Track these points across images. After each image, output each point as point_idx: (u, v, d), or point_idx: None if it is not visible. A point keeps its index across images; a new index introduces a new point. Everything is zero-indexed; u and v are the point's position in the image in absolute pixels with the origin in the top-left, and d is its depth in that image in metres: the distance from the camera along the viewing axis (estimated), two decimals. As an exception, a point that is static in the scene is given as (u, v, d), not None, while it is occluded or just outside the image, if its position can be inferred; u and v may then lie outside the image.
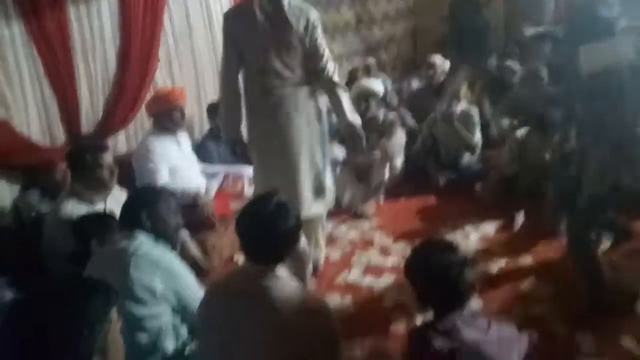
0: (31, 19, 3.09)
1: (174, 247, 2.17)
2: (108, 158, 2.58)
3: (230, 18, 2.69)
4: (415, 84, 5.36)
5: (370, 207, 3.72)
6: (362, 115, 3.78)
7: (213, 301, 1.67)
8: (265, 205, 1.61)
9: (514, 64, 4.61)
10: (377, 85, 3.94)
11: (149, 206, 2.08)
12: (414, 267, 1.70)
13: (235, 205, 3.52)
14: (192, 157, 3.61)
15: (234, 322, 1.52)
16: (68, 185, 2.73)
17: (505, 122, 4.10)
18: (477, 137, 3.93)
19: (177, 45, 4.06)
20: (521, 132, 3.73)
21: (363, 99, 3.81)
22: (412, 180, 4.02)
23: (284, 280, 1.56)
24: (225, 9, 4.43)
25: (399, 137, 3.74)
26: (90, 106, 3.50)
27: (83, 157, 2.52)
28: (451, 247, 1.69)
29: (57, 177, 3.02)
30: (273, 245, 1.58)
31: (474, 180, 3.78)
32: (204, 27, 4.29)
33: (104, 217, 2.53)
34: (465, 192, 3.76)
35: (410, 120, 4.42)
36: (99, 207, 2.65)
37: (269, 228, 1.56)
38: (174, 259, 2.00)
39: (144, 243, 1.98)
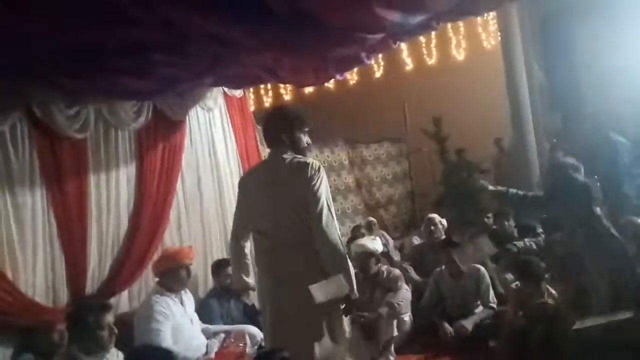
0: (53, 186, 3.38)
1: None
2: (109, 318, 2.56)
3: (241, 180, 2.89)
4: (416, 241, 5.49)
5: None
6: (364, 271, 3.83)
7: None
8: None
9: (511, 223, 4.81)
10: (375, 243, 4.02)
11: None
12: None
13: (237, 366, 3.35)
14: (195, 317, 3.55)
15: None
16: (64, 347, 2.65)
17: (510, 276, 4.10)
18: (492, 294, 3.93)
19: (187, 208, 4.30)
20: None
21: (361, 259, 3.86)
22: (421, 336, 3.87)
23: None
24: (236, 176, 4.85)
25: (405, 292, 3.71)
26: (98, 266, 3.59)
27: (85, 317, 2.50)
28: None
29: (54, 339, 2.95)
30: None
31: (486, 337, 3.63)
32: (214, 192, 4.60)
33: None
34: (479, 349, 3.58)
35: (415, 275, 4.44)
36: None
37: None
38: None
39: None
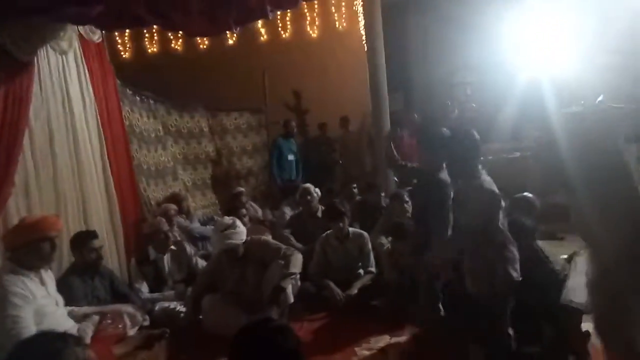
0: None
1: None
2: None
3: None
4: (287, 210, 5.50)
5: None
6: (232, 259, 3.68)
7: None
8: (265, 326, 1.38)
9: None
10: (240, 234, 3.63)
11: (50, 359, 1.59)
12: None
13: (119, 350, 2.91)
14: (59, 298, 2.97)
15: None
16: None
17: (383, 239, 4.40)
18: (372, 259, 4.18)
19: (37, 170, 3.53)
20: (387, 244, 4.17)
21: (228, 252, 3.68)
22: (307, 300, 3.91)
23: None
24: (94, 135, 4.17)
25: (298, 257, 3.65)
26: None
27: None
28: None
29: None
30: None
31: (369, 298, 3.86)
32: (69, 151, 3.89)
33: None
34: (363, 309, 3.78)
35: (296, 243, 4.46)
36: None
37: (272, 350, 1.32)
38: None
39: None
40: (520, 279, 2.60)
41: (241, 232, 3.63)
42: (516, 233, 2.76)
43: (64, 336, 1.75)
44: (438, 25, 8.79)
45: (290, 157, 6.99)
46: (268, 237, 4.18)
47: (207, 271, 3.86)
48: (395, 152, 3.62)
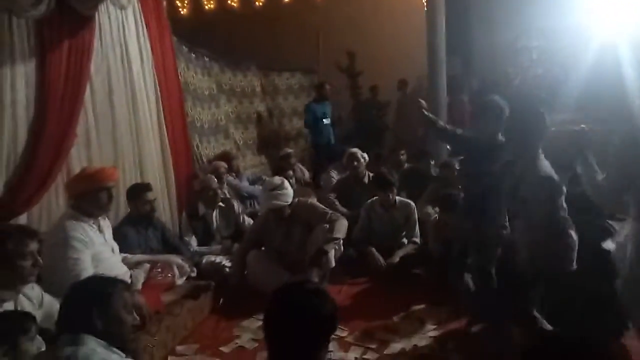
0: None
1: (131, 355, 1.78)
2: (34, 246, 2.12)
3: None
4: (334, 174, 5.49)
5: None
6: (279, 218, 3.71)
7: None
8: (301, 289, 1.41)
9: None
10: (287, 196, 3.65)
11: (100, 302, 1.71)
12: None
13: (167, 298, 3.08)
14: (115, 245, 3.15)
15: None
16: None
17: (430, 209, 4.33)
18: (417, 229, 4.14)
19: (97, 123, 3.69)
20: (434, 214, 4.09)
21: (274, 211, 3.69)
22: (350, 265, 3.96)
23: None
24: (151, 92, 4.28)
25: (343, 223, 3.67)
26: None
27: (4, 244, 2.03)
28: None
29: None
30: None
31: (411, 267, 3.84)
32: (127, 106, 4.02)
33: (21, 317, 2.01)
34: (405, 277, 3.79)
35: (341, 207, 4.47)
36: (7, 307, 2.12)
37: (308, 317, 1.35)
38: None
39: (95, 351, 1.60)
40: (575, 267, 2.46)
41: (289, 193, 3.67)
42: (587, 208, 2.61)
43: (114, 281, 1.87)
44: (501, -14, 8.22)
45: (326, 120, 6.79)
46: (314, 200, 4.21)
47: (255, 229, 3.94)
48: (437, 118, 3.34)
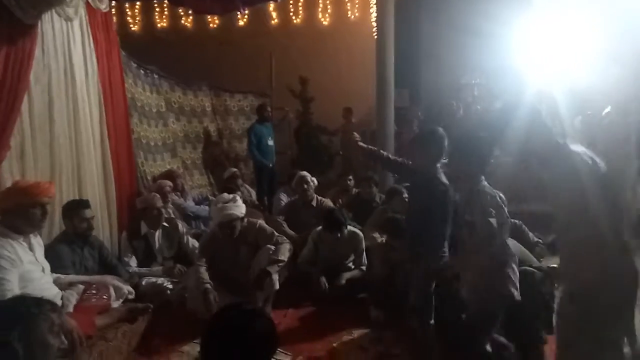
0: None
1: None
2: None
3: None
4: (283, 196, 5.49)
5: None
6: (229, 234, 3.61)
7: None
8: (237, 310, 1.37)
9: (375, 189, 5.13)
10: (240, 208, 3.64)
11: (22, 324, 1.59)
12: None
13: (101, 321, 2.91)
14: (46, 265, 2.96)
15: None
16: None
17: (376, 234, 4.38)
18: (364, 256, 4.16)
19: (34, 134, 3.50)
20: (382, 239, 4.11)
21: (226, 224, 3.59)
22: (293, 289, 3.91)
23: None
24: (95, 105, 4.14)
25: (287, 246, 3.64)
26: None
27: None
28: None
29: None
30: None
31: (356, 291, 3.87)
32: (68, 118, 3.86)
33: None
34: (350, 300, 3.80)
35: (289, 230, 4.45)
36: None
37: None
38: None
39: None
40: (520, 298, 2.51)
41: (241, 206, 3.63)
42: None
43: (39, 301, 1.75)
44: (449, 28, 8.69)
45: (270, 142, 6.82)
46: (262, 222, 4.16)
47: (205, 244, 3.80)
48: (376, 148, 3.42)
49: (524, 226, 4.05)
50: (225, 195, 3.74)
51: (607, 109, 2.73)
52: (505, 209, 2.54)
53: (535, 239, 4.05)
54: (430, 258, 2.86)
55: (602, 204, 2.09)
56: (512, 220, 2.89)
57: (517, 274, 2.55)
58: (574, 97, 2.67)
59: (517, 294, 2.48)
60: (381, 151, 3.23)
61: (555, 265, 4.54)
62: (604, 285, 2.08)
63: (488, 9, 7.44)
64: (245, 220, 3.72)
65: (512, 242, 2.82)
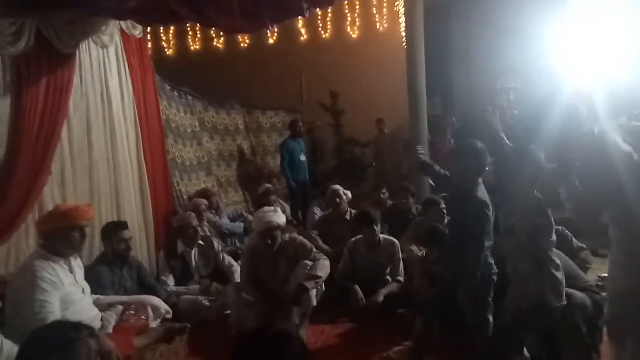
0: None
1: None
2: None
3: None
4: (317, 210, 5.45)
5: (301, 334, 3.38)
6: (270, 245, 3.58)
7: None
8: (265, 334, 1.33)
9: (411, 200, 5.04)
10: (280, 216, 3.67)
11: (61, 349, 1.60)
12: None
13: (139, 342, 2.93)
14: (86, 286, 3.02)
15: None
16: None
17: (413, 246, 4.27)
18: (402, 267, 4.06)
19: (73, 160, 3.63)
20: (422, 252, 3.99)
21: (266, 232, 3.58)
22: (331, 304, 3.83)
23: None
24: (131, 128, 4.25)
25: (325, 262, 3.59)
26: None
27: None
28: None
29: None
30: None
31: (395, 306, 3.76)
32: (105, 143, 3.98)
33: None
34: (388, 317, 3.70)
35: (323, 244, 4.40)
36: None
37: None
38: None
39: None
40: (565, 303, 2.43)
41: (282, 216, 3.66)
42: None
43: (77, 326, 1.75)
44: (481, 29, 8.54)
45: (302, 157, 6.83)
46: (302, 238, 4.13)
47: (248, 257, 3.76)
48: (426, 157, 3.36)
49: (566, 230, 3.86)
50: (267, 207, 3.79)
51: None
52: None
53: (579, 244, 3.85)
54: (470, 273, 2.76)
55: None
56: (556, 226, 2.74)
57: (560, 279, 2.46)
58: (614, 97, 2.51)
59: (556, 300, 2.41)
60: (436, 166, 3.18)
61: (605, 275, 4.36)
62: None
63: (521, 7, 7.28)
64: (287, 235, 3.73)
65: (555, 252, 2.69)
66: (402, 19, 7.95)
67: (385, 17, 9.87)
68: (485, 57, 8.49)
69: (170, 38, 10.81)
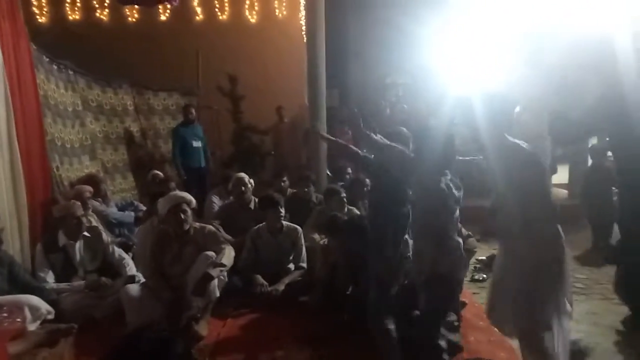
0: None
1: None
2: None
3: None
4: (216, 199, 5.26)
5: (202, 327, 3.23)
6: (178, 225, 3.45)
7: None
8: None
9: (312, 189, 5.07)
10: (190, 195, 3.66)
11: None
12: None
13: (15, 347, 2.57)
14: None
15: None
16: None
17: (316, 235, 4.32)
18: (304, 254, 4.06)
19: None
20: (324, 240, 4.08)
21: (180, 208, 3.45)
22: (233, 295, 3.73)
23: None
24: (2, 105, 3.70)
25: (231, 251, 3.47)
26: None
27: None
28: None
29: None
30: None
31: (297, 294, 3.77)
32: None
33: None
34: (291, 305, 3.69)
35: (225, 234, 4.25)
36: None
37: None
38: None
39: None
40: None
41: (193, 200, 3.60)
42: None
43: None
44: (374, 25, 8.89)
45: (196, 143, 6.56)
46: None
47: (152, 245, 3.57)
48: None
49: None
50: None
51: (517, 109, 2.89)
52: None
53: (466, 232, 4.21)
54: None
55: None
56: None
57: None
58: (494, 98, 2.70)
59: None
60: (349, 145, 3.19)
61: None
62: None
63: (410, 7, 7.72)
64: (197, 224, 3.64)
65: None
66: (302, 8, 7.96)
67: (284, 4, 9.80)
68: (379, 53, 8.86)
69: (44, 4, 9.60)
